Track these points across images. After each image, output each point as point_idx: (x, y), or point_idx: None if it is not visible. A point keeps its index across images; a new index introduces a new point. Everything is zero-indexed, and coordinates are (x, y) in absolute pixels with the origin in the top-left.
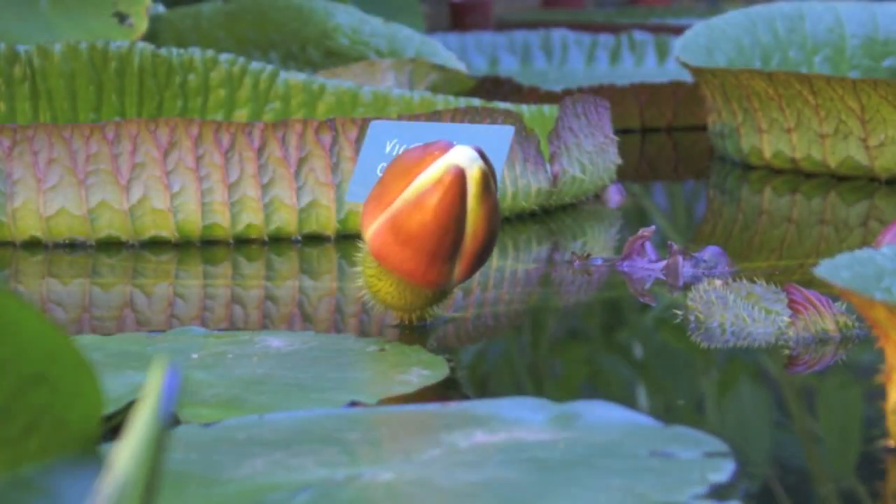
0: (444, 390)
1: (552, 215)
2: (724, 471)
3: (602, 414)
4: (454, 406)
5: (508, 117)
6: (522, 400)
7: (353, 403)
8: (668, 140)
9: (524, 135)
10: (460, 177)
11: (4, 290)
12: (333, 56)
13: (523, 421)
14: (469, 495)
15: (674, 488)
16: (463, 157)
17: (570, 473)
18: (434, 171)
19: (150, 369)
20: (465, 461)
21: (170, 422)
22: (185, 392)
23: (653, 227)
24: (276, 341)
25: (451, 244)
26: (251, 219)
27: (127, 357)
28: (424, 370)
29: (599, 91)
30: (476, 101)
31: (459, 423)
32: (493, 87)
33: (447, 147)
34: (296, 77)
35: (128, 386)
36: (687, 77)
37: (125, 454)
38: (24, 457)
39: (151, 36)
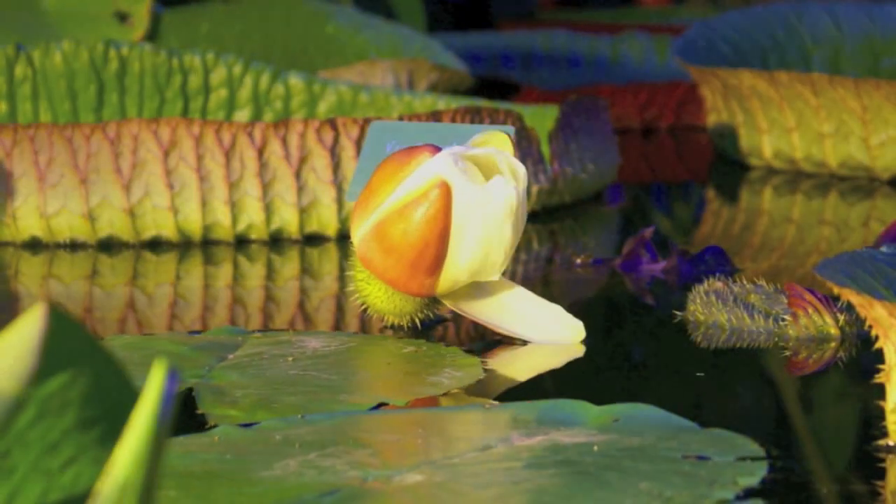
0: (487, 391)
1: (552, 215)
2: (755, 475)
3: (641, 416)
4: (494, 408)
5: (509, 117)
6: (563, 402)
7: (382, 405)
8: (668, 140)
9: (524, 134)
10: (446, 192)
11: (85, 332)
12: (334, 56)
13: (562, 423)
14: (495, 498)
15: (701, 492)
16: (451, 169)
17: (601, 477)
18: (421, 184)
19: (151, 371)
20: (498, 464)
21: (169, 424)
22: (217, 393)
23: (653, 227)
24: (313, 342)
25: (433, 257)
26: (252, 218)
27: (164, 357)
28: (457, 372)
29: (599, 91)
30: (477, 101)
31: (498, 425)
32: (492, 87)
33: (433, 151)
34: (296, 77)
35: None
36: (687, 77)
37: (124, 456)
38: (55, 488)
39: (151, 36)
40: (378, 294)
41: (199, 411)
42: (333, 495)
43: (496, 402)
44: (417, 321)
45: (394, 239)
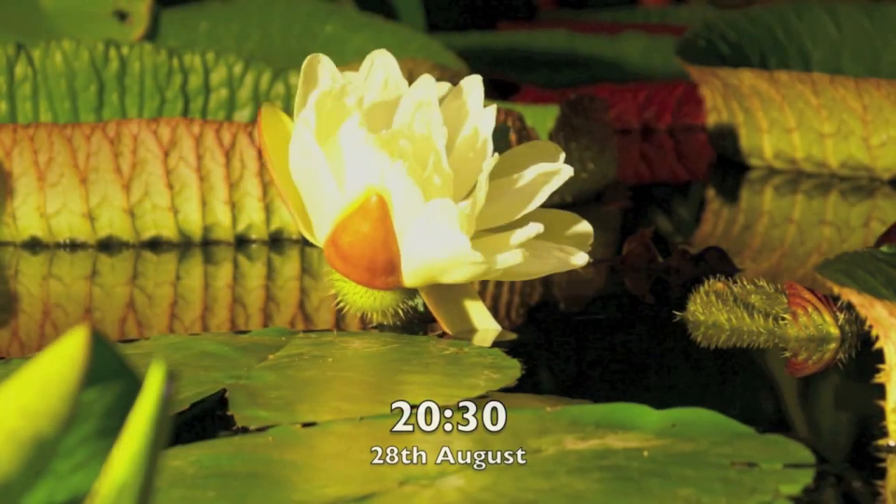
0: (549, 393)
1: None
2: (798, 482)
3: (700, 422)
4: (555, 412)
5: (509, 116)
6: (624, 406)
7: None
8: (668, 140)
9: (524, 134)
10: (381, 204)
11: (114, 350)
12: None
13: (620, 427)
14: (528, 502)
15: (740, 500)
16: (384, 175)
17: (642, 483)
18: (356, 196)
19: (149, 373)
20: (542, 468)
21: (167, 426)
22: (249, 394)
23: (653, 227)
24: (356, 343)
25: (384, 261)
26: (252, 218)
27: (205, 357)
28: (495, 374)
29: (598, 91)
30: None
31: (555, 428)
32: (493, 87)
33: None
34: (296, 77)
35: (197, 386)
36: (687, 77)
37: (121, 457)
38: (62, 489)
39: (150, 35)
40: (357, 290)
41: (228, 412)
42: (364, 500)
43: (561, 404)
44: (401, 312)
45: (345, 249)
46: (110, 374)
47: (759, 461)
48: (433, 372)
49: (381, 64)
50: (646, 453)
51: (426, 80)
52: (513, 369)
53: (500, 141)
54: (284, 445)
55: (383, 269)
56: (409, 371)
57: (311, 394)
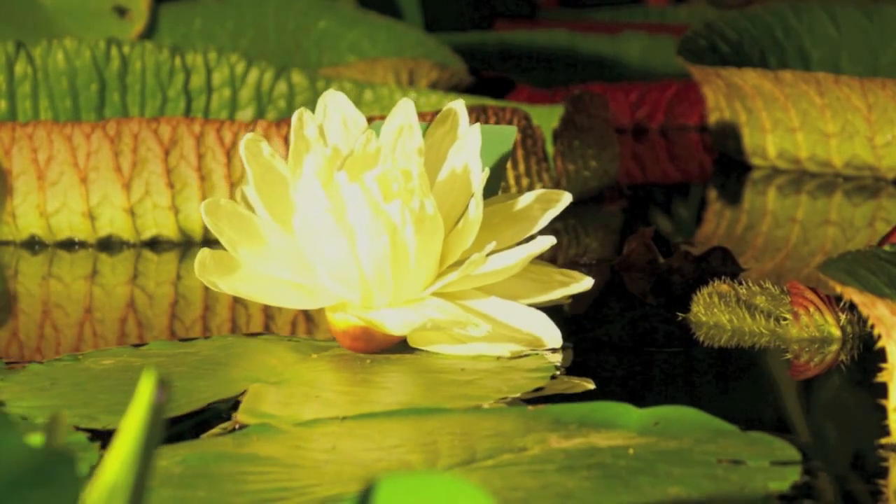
0: (539, 393)
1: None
2: (787, 479)
3: (682, 419)
4: (536, 410)
5: (514, 116)
6: (605, 404)
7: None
8: (662, 140)
9: (529, 133)
10: (358, 331)
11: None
12: (328, 51)
13: (603, 426)
14: (520, 501)
15: (729, 497)
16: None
17: (631, 481)
18: (337, 321)
19: (141, 379)
20: (530, 467)
21: (159, 430)
22: (271, 391)
23: (653, 227)
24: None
25: (381, 344)
26: None
27: (247, 356)
28: (521, 379)
29: (591, 89)
30: (483, 100)
31: (538, 427)
32: (493, 86)
33: None
34: (299, 76)
35: (222, 386)
36: (682, 76)
37: (113, 461)
38: None
39: (147, 32)
40: None
41: (240, 410)
42: (345, 498)
43: (540, 405)
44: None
45: (342, 340)
46: None
47: (746, 459)
48: (464, 374)
49: (335, 105)
50: (631, 451)
51: (405, 105)
52: (546, 371)
53: (505, 142)
54: (271, 444)
55: (382, 344)
56: (438, 374)
57: (328, 393)
